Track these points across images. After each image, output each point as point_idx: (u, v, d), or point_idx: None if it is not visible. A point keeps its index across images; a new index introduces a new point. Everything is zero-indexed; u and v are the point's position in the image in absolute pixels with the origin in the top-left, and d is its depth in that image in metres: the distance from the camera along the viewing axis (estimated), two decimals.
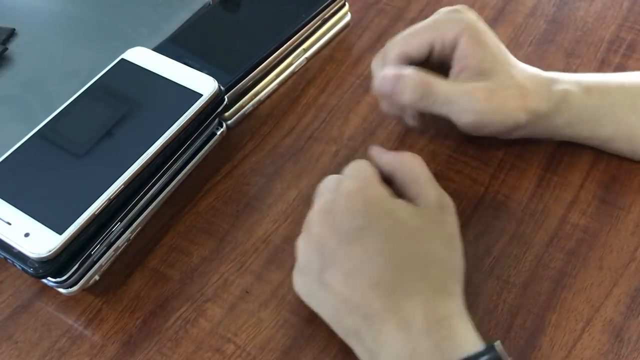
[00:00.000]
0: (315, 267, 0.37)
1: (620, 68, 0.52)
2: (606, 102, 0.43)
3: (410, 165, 0.40)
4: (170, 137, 0.43)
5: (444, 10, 0.45)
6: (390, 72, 0.43)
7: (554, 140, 0.46)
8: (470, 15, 0.44)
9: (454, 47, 0.43)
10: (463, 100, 0.42)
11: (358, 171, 0.39)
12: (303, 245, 0.39)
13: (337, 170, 0.47)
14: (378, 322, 0.34)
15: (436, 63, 0.45)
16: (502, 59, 0.43)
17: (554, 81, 0.44)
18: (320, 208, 0.38)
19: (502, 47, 0.44)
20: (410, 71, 0.42)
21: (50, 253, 0.38)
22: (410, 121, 0.47)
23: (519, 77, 0.43)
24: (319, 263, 0.37)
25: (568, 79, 0.44)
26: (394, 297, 0.34)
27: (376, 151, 0.42)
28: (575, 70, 0.52)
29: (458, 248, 0.38)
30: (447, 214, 0.39)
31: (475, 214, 0.44)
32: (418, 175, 0.40)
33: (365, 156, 0.48)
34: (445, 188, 0.45)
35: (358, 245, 0.36)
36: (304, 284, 0.38)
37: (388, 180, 0.40)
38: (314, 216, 0.38)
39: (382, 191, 0.38)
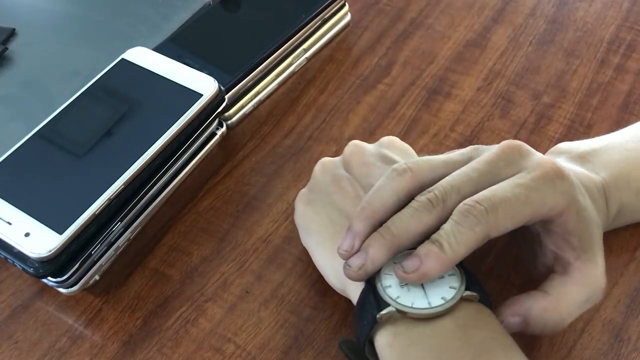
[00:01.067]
0: None
1: (620, 68, 0.52)
2: None
3: None
4: (170, 137, 0.43)
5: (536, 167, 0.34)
6: (514, 319, 0.35)
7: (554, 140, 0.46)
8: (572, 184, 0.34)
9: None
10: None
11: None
12: None
13: None
14: None
15: None
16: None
17: (606, 191, 0.39)
18: None
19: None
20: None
21: (50, 253, 0.38)
22: None
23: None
24: None
25: (619, 184, 0.39)
26: None
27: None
28: (575, 71, 0.52)
29: None
30: None
31: None
32: None
33: None
34: None
35: None
36: None
37: None
38: None
39: None
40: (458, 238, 0.32)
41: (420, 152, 0.48)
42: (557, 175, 0.33)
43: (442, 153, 0.48)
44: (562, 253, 0.35)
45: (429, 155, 0.38)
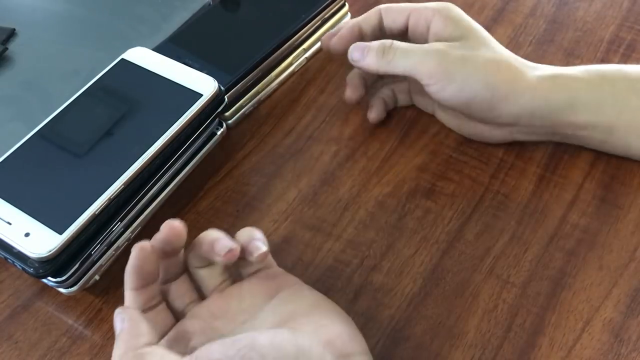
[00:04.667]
0: None
1: None
2: (606, 83, 0.42)
3: None
4: (170, 137, 0.43)
5: None
6: (359, 43, 0.45)
7: (553, 140, 0.46)
8: (454, 6, 0.46)
9: (429, 24, 0.45)
10: (423, 50, 0.43)
11: None
12: None
13: (337, 169, 0.47)
14: None
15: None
16: (480, 34, 0.44)
17: (544, 66, 0.44)
18: None
19: (483, 30, 0.45)
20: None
21: (50, 253, 0.38)
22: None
23: (502, 50, 0.44)
24: None
25: (559, 67, 0.44)
26: None
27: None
28: None
29: None
30: None
31: (475, 214, 0.44)
32: None
33: (366, 155, 0.48)
34: (446, 188, 0.46)
35: None
36: None
37: None
38: None
39: None
40: None
41: (420, 153, 0.48)
42: None
43: (443, 154, 0.48)
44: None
45: None
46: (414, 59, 0.43)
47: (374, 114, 0.49)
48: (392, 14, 0.47)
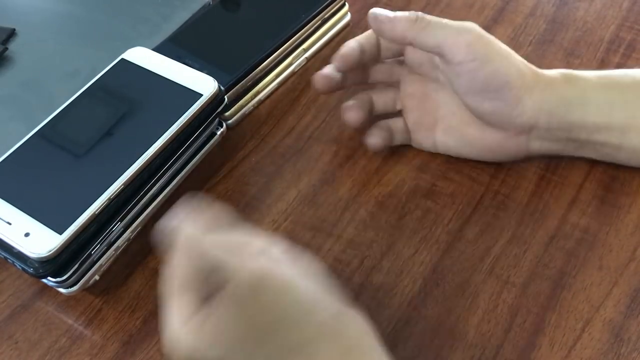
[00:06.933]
0: None
1: (620, 68, 0.52)
2: (615, 87, 0.43)
3: None
4: (170, 137, 0.43)
5: None
6: (382, 11, 0.43)
7: (566, 150, 0.45)
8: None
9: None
10: (458, 25, 0.41)
11: None
12: None
13: (337, 169, 0.47)
14: None
15: None
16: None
17: (551, 70, 0.44)
18: None
19: None
20: None
21: (50, 253, 0.38)
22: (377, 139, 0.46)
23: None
24: None
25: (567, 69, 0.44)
26: None
27: None
28: None
29: None
30: None
31: (475, 214, 0.44)
32: None
33: (366, 155, 0.48)
34: (445, 188, 0.46)
35: None
36: None
37: None
38: None
39: None
40: None
41: (420, 153, 0.48)
42: None
43: (443, 154, 0.48)
44: None
45: None
46: (450, 30, 0.41)
47: (375, 139, 0.46)
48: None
